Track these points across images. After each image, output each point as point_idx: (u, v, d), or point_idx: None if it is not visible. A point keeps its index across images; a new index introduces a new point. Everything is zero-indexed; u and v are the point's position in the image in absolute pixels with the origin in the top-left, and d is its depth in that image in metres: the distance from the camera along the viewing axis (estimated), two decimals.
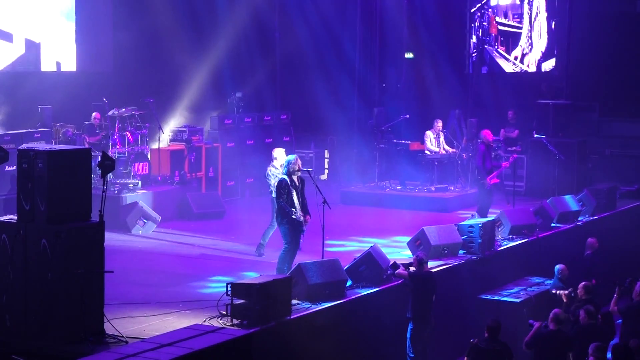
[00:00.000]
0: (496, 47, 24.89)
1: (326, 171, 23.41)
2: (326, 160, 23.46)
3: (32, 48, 18.81)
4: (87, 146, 16.81)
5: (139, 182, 17.80)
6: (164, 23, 20.21)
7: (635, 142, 23.52)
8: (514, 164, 18.52)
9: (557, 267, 15.03)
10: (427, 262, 12.93)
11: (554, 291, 14.49)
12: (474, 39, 24.27)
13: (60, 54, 19.33)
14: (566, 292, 14.25)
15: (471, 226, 15.37)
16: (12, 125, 17.90)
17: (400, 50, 24.95)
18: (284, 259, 13.06)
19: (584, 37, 24.67)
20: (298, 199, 13.04)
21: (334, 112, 22.85)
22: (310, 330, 11.49)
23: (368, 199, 20.20)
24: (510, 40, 25.25)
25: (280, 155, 14.78)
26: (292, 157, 13.29)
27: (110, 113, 18.14)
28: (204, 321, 10.91)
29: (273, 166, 14.78)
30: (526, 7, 25.43)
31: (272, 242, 14.81)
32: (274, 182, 14.39)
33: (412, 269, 13.01)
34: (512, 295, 15.15)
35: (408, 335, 12.71)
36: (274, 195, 14.27)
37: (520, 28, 25.32)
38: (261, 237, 15.00)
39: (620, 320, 13.41)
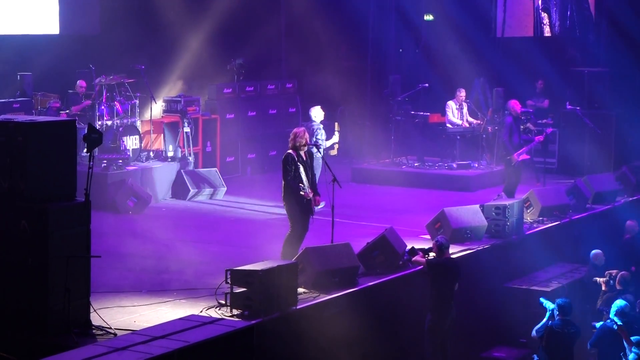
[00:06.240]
0: None
1: (336, 146, 23.37)
2: (336, 134, 23.46)
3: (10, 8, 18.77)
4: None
5: (129, 158, 17.81)
6: None
7: None
8: (547, 139, 18.49)
9: (593, 252, 15.02)
10: (448, 248, 12.89)
11: (595, 279, 14.44)
12: None
13: (42, 14, 19.27)
14: (605, 279, 14.22)
15: (497, 207, 15.38)
16: None
17: (418, 11, 24.84)
18: (289, 243, 13.05)
19: None
20: (307, 175, 12.99)
21: (345, 80, 22.79)
22: (318, 322, 11.50)
23: (382, 177, 20.19)
24: None
25: (318, 114, 16.52)
26: (298, 130, 13.23)
27: (97, 81, 18.12)
28: (201, 311, 10.93)
29: (318, 128, 16.48)
30: None
31: (277, 224, 14.82)
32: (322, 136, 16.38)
33: (431, 255, 13.01)
34: (542, 283, 15.19)
35: (426, 328, 12.71)
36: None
37: None
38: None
39: None
